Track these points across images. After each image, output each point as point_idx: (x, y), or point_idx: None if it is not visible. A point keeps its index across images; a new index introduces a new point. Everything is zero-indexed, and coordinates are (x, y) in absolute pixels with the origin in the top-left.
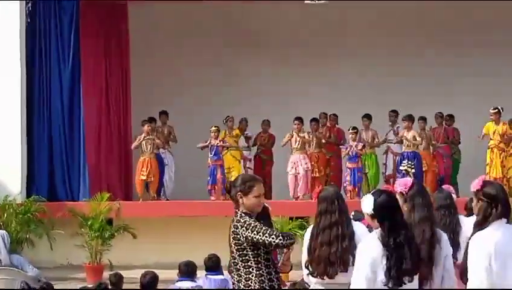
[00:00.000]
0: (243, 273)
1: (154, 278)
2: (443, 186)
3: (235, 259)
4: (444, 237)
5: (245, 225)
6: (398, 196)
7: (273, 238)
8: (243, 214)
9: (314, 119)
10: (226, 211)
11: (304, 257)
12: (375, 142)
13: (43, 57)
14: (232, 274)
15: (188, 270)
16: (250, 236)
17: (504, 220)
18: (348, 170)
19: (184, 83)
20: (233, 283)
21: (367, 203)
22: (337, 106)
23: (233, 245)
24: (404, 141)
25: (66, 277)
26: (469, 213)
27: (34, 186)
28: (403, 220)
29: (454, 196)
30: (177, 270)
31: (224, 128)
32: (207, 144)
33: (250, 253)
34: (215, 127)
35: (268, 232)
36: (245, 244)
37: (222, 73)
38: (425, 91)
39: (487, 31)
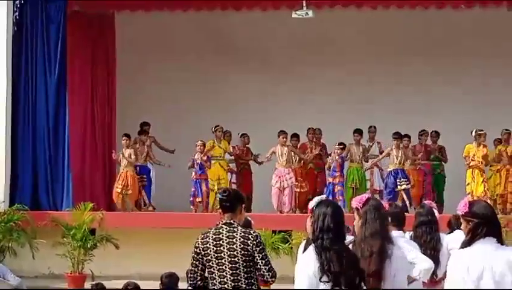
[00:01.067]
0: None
1: (136, 289)
2: (425, 202)
3: (236, 264)
4: (399, 253)
5: (261, 246)
6: (354, 212)
7: (269, 274)
8: (256, 233)
9: (295, 135)
10: (209, 223)
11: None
12: (365, 156)
13: (29, 65)
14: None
15: (169, 282)
16: (258, 257)
17: (492, 239)
18: (328, 184)
19: (170, 93)
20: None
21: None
22: (321, 119)
23: (239, 255)
24: (394, 158)
25: (47, 287)
26: (451, 230)
27: (17, 195)
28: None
29: (436, 212)
30: (159, 282)
31: (213, 137)
32: (192, 162)
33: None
34: (201, 141)
35: (269, 266)
36: (249, 261)
37: (206, 85)
38: (410, 106)
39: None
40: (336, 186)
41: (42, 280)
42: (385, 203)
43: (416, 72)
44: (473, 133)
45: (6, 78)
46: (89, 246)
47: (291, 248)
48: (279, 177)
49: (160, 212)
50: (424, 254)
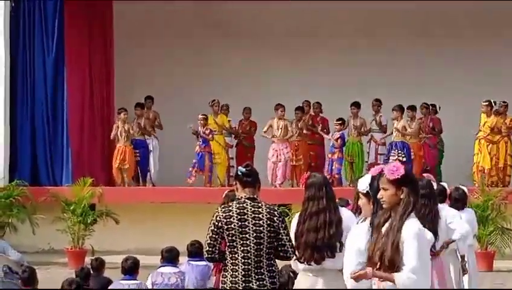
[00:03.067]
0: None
1: (136, 263)
2: (424, 175)
3: (261, 240)
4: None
5: (285, 223)
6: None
7: (292, 249)
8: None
9: (299, 108)
10: (209, 197)
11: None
12: (363, 131)
13: (27, 44)
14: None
15: (170, 256)
16: (284, 233)
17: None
18: (328, 159)
19: (166, 71)
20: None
21: (364, 181)
22: (319, 93)
23: (265, 231)
24: (394, 130)
25: (47, 262)
26: (453, 203)
27: (17, 171)
28: None
29: (434, 184)
30: (160, 256)
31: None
32: (196, 132)
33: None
34: (202, 115)
35: (292, 242)
36: (274, 237)
37: (203, 60)
38: (408, 81)
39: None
40: (335, 162)
41: (42, 255)
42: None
43: (410, 46)
44: (483, 104)
45: (5, 57)
46: (88, 221)
47: (291, 221)
48: (276, 151)
49: (159, 187)
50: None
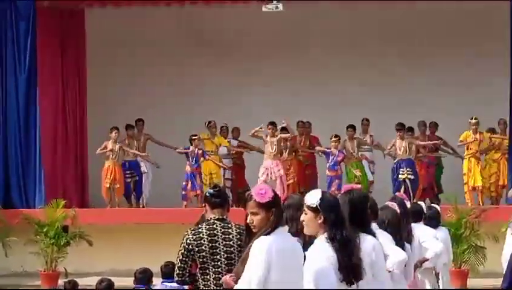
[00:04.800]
0: None
1: (110, 285)
2: (396, 194)
3: (232, 260)
4: None
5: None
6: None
7: None
8: None
9: (284, 128)
10: (183, 218)
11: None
12: (362, 144)
13: None
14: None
15: (143, 278)
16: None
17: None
18: (328, 177)
19: (142, 87)
20: None
21: (313, 195)
22: (303, 113)
23: (236, 252)
24: (399, 150)
25: (20, 284)
26: (427, 221)
27: None
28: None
29: (408, 203)
30: (133, 278)
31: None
32: (187, 150)
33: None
34: (195, 135)
35: None
36: None
37: (180, 77)
38: (391, 100)
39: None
40: (336, 179)
41: (15, 278)
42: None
43: (397, 62)
44: (472, 121)
45: None
46: (62, 243)
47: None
48: (266, 169)
49: (131, 208)
50: (397, 245)
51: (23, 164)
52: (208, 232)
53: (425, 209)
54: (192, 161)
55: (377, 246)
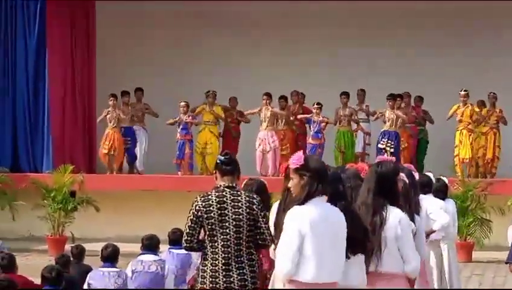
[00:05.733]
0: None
1: (115, 251)
2: (405, 165)
3: (240, 228)
4: None
5: (264, 211)
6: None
7: (270, 237)
8: (259, 197)
9: (282, 97)
10: (189, 186)
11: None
12: (353, 119)
13: (8, 28)
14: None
15: (150, 244)
16: (262, 221)
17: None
18: (310, 145)
19: (150, 55)
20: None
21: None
22: (304, 84)
23: (245, 219)
24: (387, 120)
25: (27, 249)
26: (434, 194)
27: None
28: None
29: (416, 175)
30: (140, 244)
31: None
32: (176, 120)
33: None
34: (184, 102)
35: (270, 230)
36: (253, 225)
37: (189, 48)
38: (391, 71)
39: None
40: (318, 148)
41: (22, 242)
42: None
43: (400, 36)
44: (461, 93)
45: None
46: (69, 208)
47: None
48: (262, 140)
49: (140, 175)
50: None
51: (31, 129)
52: (218, 199)
53: (433, 181)
54: (179, 128)
55: (403, 219)
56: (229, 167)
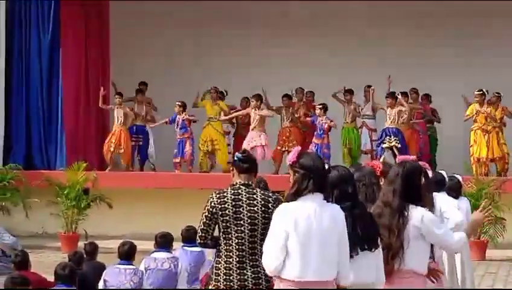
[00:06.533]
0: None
1: (132, 248)
2: (419, 163)
3: (255, 226)
4: None
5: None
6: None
7: None
8: (276, 195)
9: (286, 95)
10: (202, 184)
11: None
12: (357, 112)
13: (23, 23)
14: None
15: (164, 242)
16: None
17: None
18: (314, 144)
19: (164, 52)
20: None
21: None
22: (310, 80)
23: (260, 218)
24: (387, 117)
25: (40, 246)
26: (447, 192)
27: (11, 155)
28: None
29: (430, 173)
30: (153, 242)
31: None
32: (163, 121)
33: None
34: (178, 102)
35: None
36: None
37: (199, 46)
38: (404, 68)
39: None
40: (324, 148)
41: (36, 239)
42: (372, 162)
43: (407, 33)
44: (476, 93)
45: (0, 40)
46: (82, 205)
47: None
48: (251, 138)
49: (153, 172)
50: None
51: (45, 126)
52: (233, 196)
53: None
54: (177, 128)
55: (425, 216)
56: (246, 164)
